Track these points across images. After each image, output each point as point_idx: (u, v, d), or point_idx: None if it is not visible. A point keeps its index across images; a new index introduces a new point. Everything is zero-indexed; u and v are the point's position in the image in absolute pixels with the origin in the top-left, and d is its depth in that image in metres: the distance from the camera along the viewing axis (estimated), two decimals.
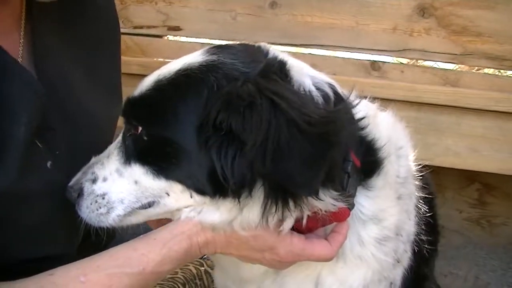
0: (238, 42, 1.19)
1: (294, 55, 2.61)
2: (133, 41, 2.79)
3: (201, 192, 1.05)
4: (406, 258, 1.27)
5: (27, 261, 1.14)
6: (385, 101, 2.00)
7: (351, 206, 1.13)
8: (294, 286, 1.20)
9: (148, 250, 1.09)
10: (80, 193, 1.12)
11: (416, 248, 1.29)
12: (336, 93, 1.12)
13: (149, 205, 1.10)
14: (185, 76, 1.04)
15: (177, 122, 1.03)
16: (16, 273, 1.09)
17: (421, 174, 1.36)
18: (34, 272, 1.11)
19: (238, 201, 1.00)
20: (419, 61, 2.63)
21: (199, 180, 1.03)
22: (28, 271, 1.10)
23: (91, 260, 1.09)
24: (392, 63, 2.60)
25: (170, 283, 1.45)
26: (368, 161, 1.17)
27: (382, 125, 1.24)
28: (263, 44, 1.17)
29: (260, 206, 1.00)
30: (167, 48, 2.82)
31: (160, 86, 1.06)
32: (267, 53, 1.13)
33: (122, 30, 2.77)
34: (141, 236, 1.12)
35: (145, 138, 1.06)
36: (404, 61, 2.62)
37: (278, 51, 1.17)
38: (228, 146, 0.96)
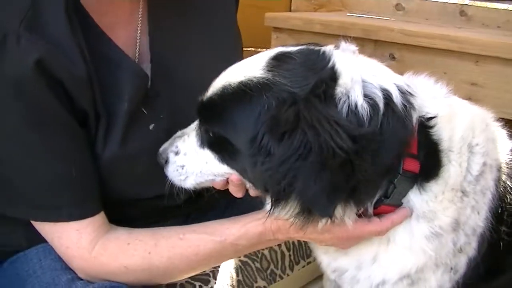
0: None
1: None
2: None
3: (254, 186, 1.26)
4: (470, 249, 1.34)
5: (142, 199, 1.48)
6: None
7: (396, 204, 1.27)
8: (356, 252, 1.36)
9: (231, 226, 1.38)
10: (167, 160, 1.36)
11: (488, 240, 1.35)
12: (388, 102, 1.17)
13: (210, 180, 1.33)
14: (244, 91, 1.19)
15: (235, 129, 1.21)
16: (133, 207, 1.47)
17: None
18: (147, 207, 1.49)
19: (273, 208, 1.18)
20: None
21: (252, 177, 1.22)
22: (144, 205, 1.49)
23: (192, 226, 1.43)
24: None
25: None
26: (428, 164, 1.26)
27: (459, 124, 1.30)
28: (328, 49, 1.25)
29: (293, 210, 1.17)
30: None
31: (224, 94, 1.23)
32: (328, 60, 1.20)
33: None
34: (233, 217, 1.42)
35: (211, 135, 1.28)
36: None
37: (341, 54, 1.24)
38: (268, 162, 1.13)
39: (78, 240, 1.34)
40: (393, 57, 2.46)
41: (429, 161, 1.26)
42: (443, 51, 2.34)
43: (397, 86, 1.21)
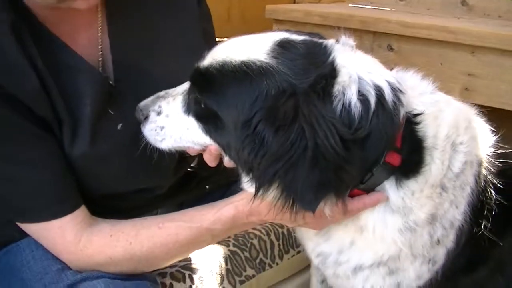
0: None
1: None
2: None
3: (236, 163, 1.28)
4: (448, 241, 1.36)
5: (121, 193, 1.52)
6: None
7: (369, 189, 1.29)
8: (336, 237, 1.40)
9: (207, 212, 1.43)
10: (146, 118, 1.36)
11: (467, 233, 1.37)
12: (379, 100, 1.20)
13: (188, 147, 1.35)
14: (245, 72, 1.19)
15: (228, 107, 1.22)
16: (119, 200, 1.52)
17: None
18: (133, 199, 1.54)
19: (256, 193, 1.20)
20: None
21: (236, 156, 1.24)
22: (129, 199, 1.54)
23: (170, 215, 1.48)
24: None
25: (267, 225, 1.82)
26: (409, 160, 1.28)
27: (444, 122, 1.32)
28: (330, 43, 1.27)
29: (273, 197, 1.20)
30: None
31: (224, 70, 1.22)
32: (327, 57, 1.22)
33: None
34: (211, 203, 1.46)
35: (202, 105, 1.27)
36: None
37: (341, 49, 1.26)
38: (259, 150, 1.16)
39: (63, 236, 1.39)
40: (391, 48, 2.47)
41: (411, 157, 1.28)
42: (440, 42, 2.35)
43: (389, 83, 1.24)
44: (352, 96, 1.18)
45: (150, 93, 1.41)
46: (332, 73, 1.20)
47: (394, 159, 1.26)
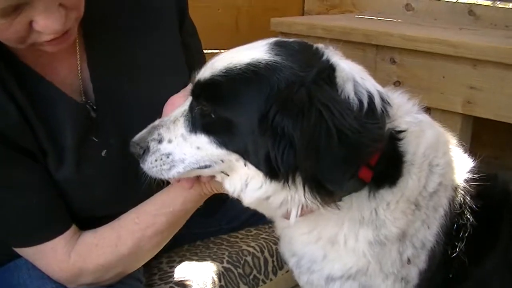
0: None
1: None
2: None
3: (256, 166, 1.26)
4: (419, 261, 1.39)
5: (112, 215, 1.55)
6: None
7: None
8: (308, 251, 1.43)
9: (175, 194, 1.50)
10: (146, 150, 1.32)
11: (440, 256, 1.40)
12: (370, 103, 1.25)
13: (205, 166, 1.31)
14: (253, 71, 1.23)
15: (242, 109, 1.24)
16: (109, 219, 1.56)
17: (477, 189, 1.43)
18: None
19: (285, 183, 1.22)
20: None
21: (256, 157, 1.24)
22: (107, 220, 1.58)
23: (142, 207, 1.53)
24: None
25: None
26: (385, 173, 1.31)
27: (424, 141, 1.36)
28: (320, 46, 1.34)
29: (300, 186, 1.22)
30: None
31: (231, 74, 1.24)
32: (322, 55, 1.29)
33: None
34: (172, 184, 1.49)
35: (213, 116, 1.26)
36: None
37: (332, 53, 1.32)
38: (281, 140, 1.19)
39: (55, 256, 1.47)
40: (393, 61, 2.49)
41: (388, 170, 1.32)
42: (442, 55, 2.36)
43: (379, 93, 1.30)
44: (350, 90, 1.24)
45: (132, 118, 1.44)
46: (331, 66, 1.26)
47: (365, 174, 1.29)
